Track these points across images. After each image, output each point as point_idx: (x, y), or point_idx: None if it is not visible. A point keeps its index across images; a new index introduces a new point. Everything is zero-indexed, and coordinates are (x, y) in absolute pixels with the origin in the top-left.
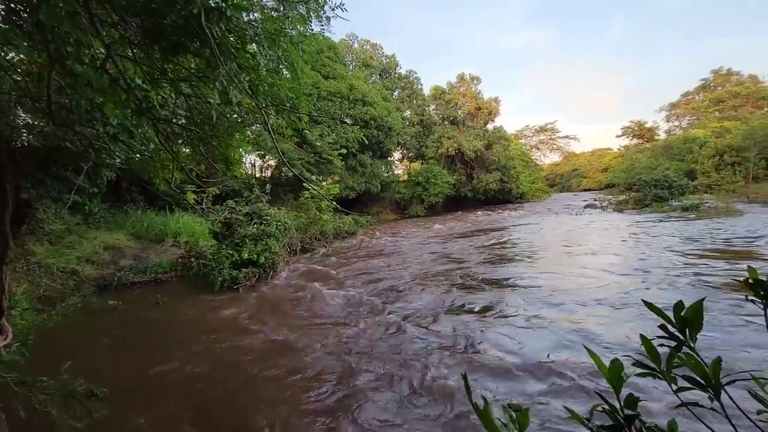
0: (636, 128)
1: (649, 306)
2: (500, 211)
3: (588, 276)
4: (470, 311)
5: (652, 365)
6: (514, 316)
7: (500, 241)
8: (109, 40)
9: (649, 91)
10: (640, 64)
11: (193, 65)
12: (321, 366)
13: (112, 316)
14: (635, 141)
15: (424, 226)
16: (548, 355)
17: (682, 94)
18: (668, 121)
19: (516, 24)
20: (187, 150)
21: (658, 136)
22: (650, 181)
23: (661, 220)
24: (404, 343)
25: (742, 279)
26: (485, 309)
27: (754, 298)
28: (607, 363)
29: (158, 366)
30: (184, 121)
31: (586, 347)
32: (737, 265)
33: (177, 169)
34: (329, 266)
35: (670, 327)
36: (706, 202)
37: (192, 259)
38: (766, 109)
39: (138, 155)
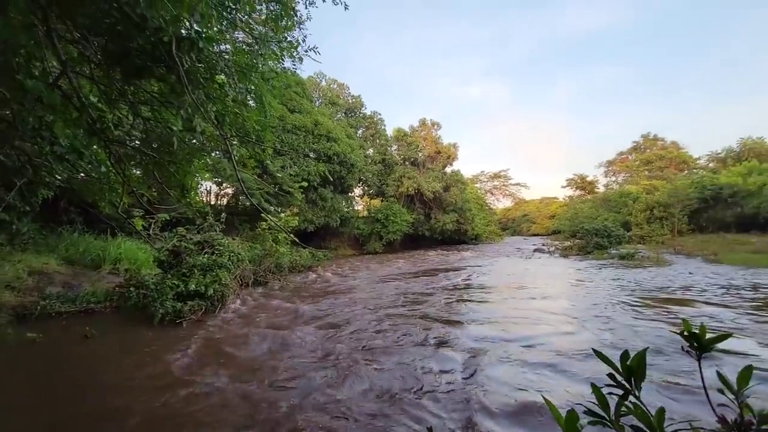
0: (579, 180)
1: (599, 355)
2: (456, 251)
3: (551, 322)
4: (444, 361)
5: (602, 414)
6: (496, 363)
7: (460, 283)
8: (66, 56)
9: (591, 147)
10: (584, 122)
11: (155, 89)
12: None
13: (30, 351)
14: (578, 192)
15: (382, 264)
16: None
17: (618, 153)
18: (606, 176)
19: (473, 77)
20: (138, 172)
21: (598, 188)
22: (592, 230)
23: (603, 267)
24: (376, 396)
25: (678, 331)
26: (464, 357)
27: (689, 350)
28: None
29: (77, 413)
30: (138, 142)
31: (544, 397)
32: (676, 312)
33: (126, 193)
34: (284, 303)
35: (617, 376)
36: (640, 252)
37: (131, 289)
38: (686, 172)
39: (82, 174)
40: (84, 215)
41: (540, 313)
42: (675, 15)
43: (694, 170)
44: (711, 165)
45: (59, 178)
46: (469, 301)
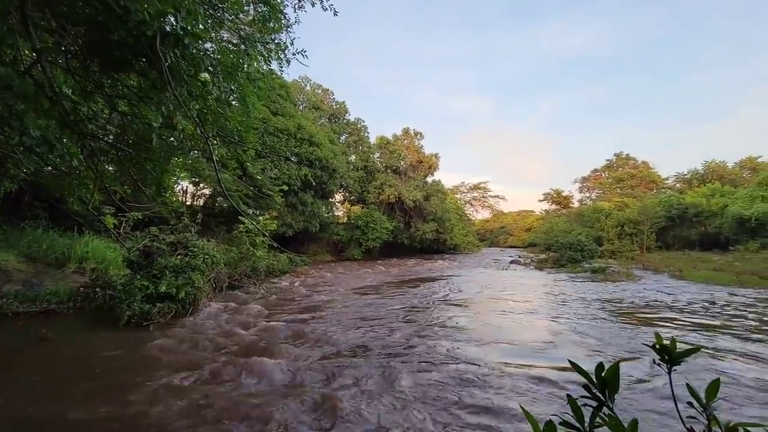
0: (555, 195)
1: (574, 366)
2: (435, 260)
3: (541, 340)
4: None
5: (577, 425)
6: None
7: (442, 296)
8: (41, 45)
9: (568, 163)
10: (560, 138)
11: (134, 83)
12: None
13: None
14: (554, 206)
15: (362, 271)
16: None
17: (592, 171)
18: (581, 192)
19: (458, 90)
20: (111, 168)
21: (573, 204)
22: (566, 243)
23: (577, 280)
24: None
25: (650, 344)
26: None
27: (660, 362)
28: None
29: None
30: (112, 137)
31: (522, 408)
32: (649, 325)
33: (98, 189)
34: (260, 310)
35: (592, 388)
36: (611, 267)
37: (97, 289)
38: (654, 191)
39: (50, 168)
40: (50, 211)
41: (541, 330)
42: (649, 43)
43: (663, 189)
44: (678, 185)
45: (26, 170)
46: (458, 317)
